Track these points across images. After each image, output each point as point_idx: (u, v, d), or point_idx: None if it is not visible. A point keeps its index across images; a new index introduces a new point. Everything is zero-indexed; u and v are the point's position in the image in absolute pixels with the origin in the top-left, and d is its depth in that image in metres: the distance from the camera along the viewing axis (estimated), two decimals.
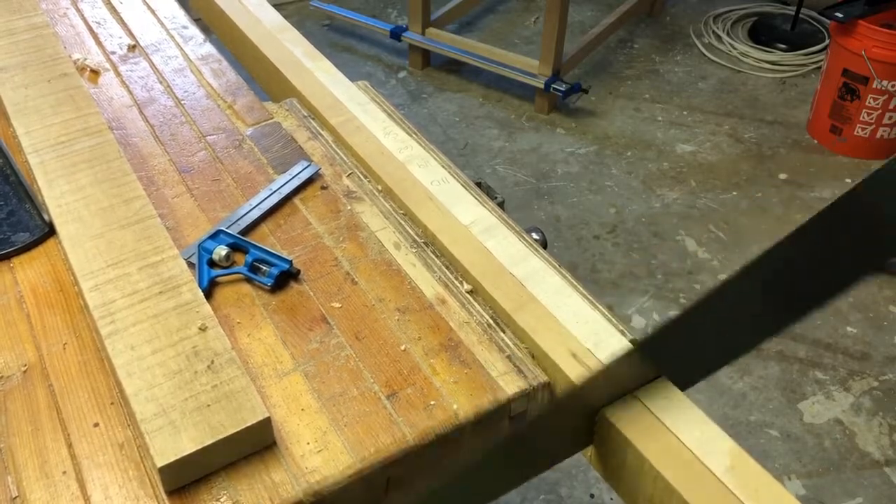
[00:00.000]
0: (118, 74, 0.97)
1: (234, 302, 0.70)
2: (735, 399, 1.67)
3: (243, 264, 0.72)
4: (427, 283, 0.71)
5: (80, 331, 0.67)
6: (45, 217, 0.76)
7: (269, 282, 0.70)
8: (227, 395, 0.58)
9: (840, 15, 2.11)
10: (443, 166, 0.83)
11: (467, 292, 0.71)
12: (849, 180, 2.21)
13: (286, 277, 0.71)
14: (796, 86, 2.62)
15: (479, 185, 0.82)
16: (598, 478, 1.21)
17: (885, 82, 2.09)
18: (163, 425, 0.56)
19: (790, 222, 2.06)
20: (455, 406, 0.61)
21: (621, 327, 0.66)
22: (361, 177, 0.83)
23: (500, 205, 0.81)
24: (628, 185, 2.32)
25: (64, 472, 0.57)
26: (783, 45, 2.75)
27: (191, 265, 0.71)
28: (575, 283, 0.70)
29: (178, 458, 0.54)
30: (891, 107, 2.14)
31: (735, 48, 2.86)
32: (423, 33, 2.71)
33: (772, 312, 0.59)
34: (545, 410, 0.52)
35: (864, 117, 2.19)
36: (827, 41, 2.69)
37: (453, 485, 0.54)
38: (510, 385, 0.63)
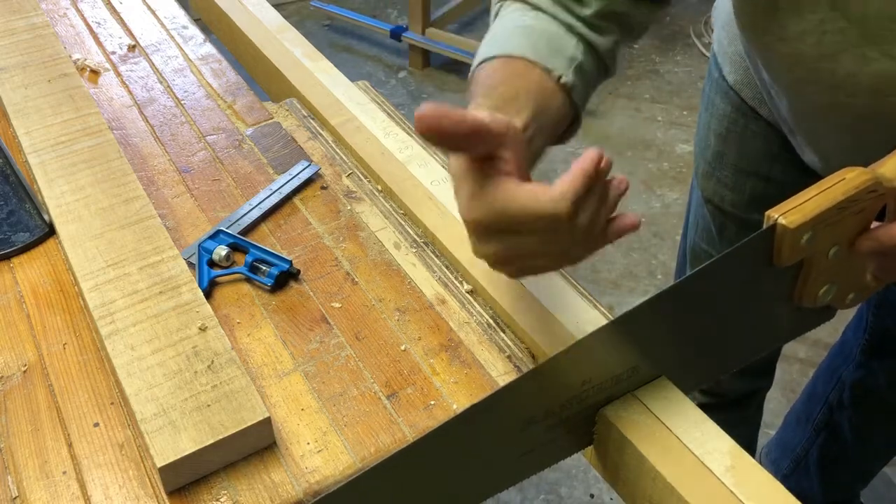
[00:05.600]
0: (118, 74, 0.97)
1: (234, 302, 0.70)
2: None
3: (243, 264, 0.72)
4: (427, 283, 0.72)
5: (80, 331, 0.67)
6: (45, 217, 0.76)
7: (269, 282, 0.70)
8: (227, 395, 0.58)
9: None
10: (443, 166, 0.83)
11: (467, 292, 0.71)
12: None
13: (286, 277, 0.71)
14: None
15: None
16: (598, 478, 1.21)
17: None
18: (163, 425, 0.56)
19: None
20: (455, 406, 0.61)
21: None
22: (361, 177, 0.83)
23: None
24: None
25: (64, 472, 0.57)
26: None
27: (191, 265, 0.71)
28: (575, 283, 0.70)
29: (178, 458, 0.54)
30: None
31: None
32: (423, 33, 2.71)
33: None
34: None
35: None
36: None
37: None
38: None
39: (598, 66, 0.65)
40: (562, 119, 0.63)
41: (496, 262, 0.56)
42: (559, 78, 0.61)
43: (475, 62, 0.65)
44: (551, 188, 0.50)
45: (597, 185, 0.51)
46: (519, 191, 0.51)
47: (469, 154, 0.52)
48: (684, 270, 1.19)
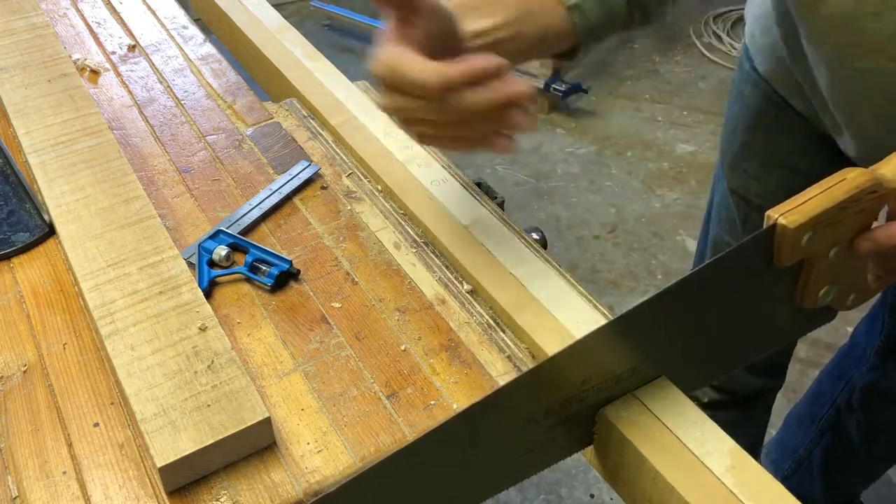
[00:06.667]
0: (118, 74, 0.97)
1: (234, 302, 0.70)
2: None
3: (243, 264, 0.72)
4: (427, 283, 0.71)
5: (80, 331, 0.67)
6: (45, 217, 0.76)
7: (269, 282, 0.70)
8: (227, 395, 0.58)
9: None
10: (443, 166, 0.83)
11: (467, 292, 0.71)
12: None
13: (286, 277, 0.71)
14: None
15: (479, 185, 0.82)
16: (598, 478, 1.21)
17: None
18: (163, 425, 0.56)
19: None
20: (455, 406, 0.61)
21: None
22: (361, 177, 0.83)
23: (500, 205, 0.81)
24: (628, 185, 2.32)
25: (64, 472, 0.57)
26: None
27: (191, 265, 0.71)
28: (575, 283, 0.70)
29: (178, 458, 0.54)
30: None
31: (735, 48, 2.86)
32: None
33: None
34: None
35: None
36: None
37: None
38: None
39: (625, 4, 0.68)
40: (553, 36, 0.67)
41: (399, 121, 0.64)
42: None
43: None
44: (432, 63, 0.58)
45: (486, 83, 0.58)
46: (408, 56, 0.59)
47: (384, 5, 0.60)
48: None
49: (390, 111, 0.63)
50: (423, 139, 0.66)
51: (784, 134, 0.94)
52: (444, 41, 0.61)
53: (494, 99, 0.59)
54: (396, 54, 0.59)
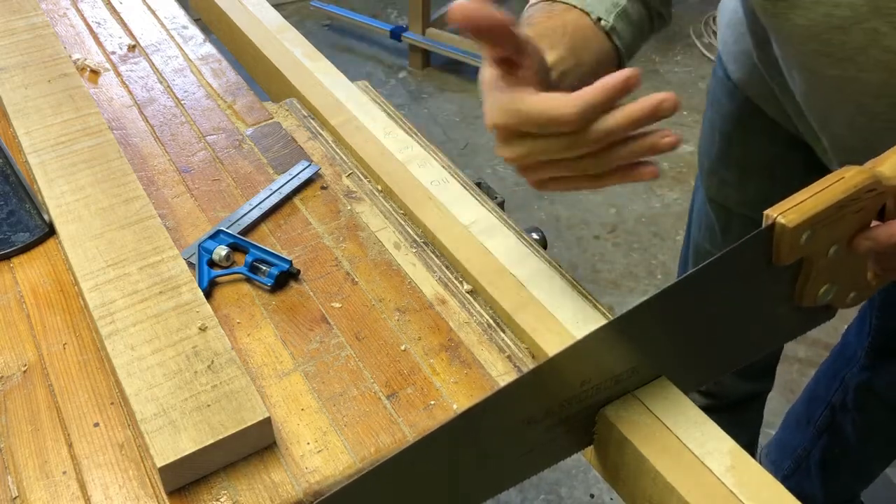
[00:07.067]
0: (118, 74, 0.97)
1: (234, 302, 0.70)
2: None
3: (243, 264, 0.72)
4: (427, 283, 0.72)
5: (80, 331, 0.67)
6: (45, 217, 0.76)
7: (269, 282, 0.70)
8: (227, 395, 0.58)
9: None
10: (443, 166, 0.83)
11: (467, 292, 0.71)
12: None
13: (286, 277, 0.71)
14: None
15: (479, 185, 0.82)
16: (598, 478, 1.21)
17: None
18: (163, 425, 0.56)
19: None
20: (455, 406, 0.61)
21: None
22: (361, 177, 0.83)
23: (500, 205, 0.81)
24: (628, 185, 2.32)
25: (64, 472, 0.57)
26: None
27: (191, 265, 0.71)
28: (575, 283, 0.70)
29: (178, 458, 0.54)
30: None
31: None
32: (423, 33, 2.71)
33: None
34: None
35: None
36: None
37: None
38: None
39: (647, 14, 0.68)
40: (605, 60, 0.66)
41: (520, 168, 0.59)
42: (598, 20, 0.64)
43: (528, 5, 0.69)
44: (561, 94, 0.53)
45: (622, 105, 0.53)
46: (534, 95, 0.54)
47: (493, 48, 0.54)
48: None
49: (514, 161, 0.58)
50: (552, 184, 0.60)
51: (759, 141, 0.93)
52: (544, 77, 0.57)
53: (639, 113, 0.53)
54: (517, 97, 0.54)
